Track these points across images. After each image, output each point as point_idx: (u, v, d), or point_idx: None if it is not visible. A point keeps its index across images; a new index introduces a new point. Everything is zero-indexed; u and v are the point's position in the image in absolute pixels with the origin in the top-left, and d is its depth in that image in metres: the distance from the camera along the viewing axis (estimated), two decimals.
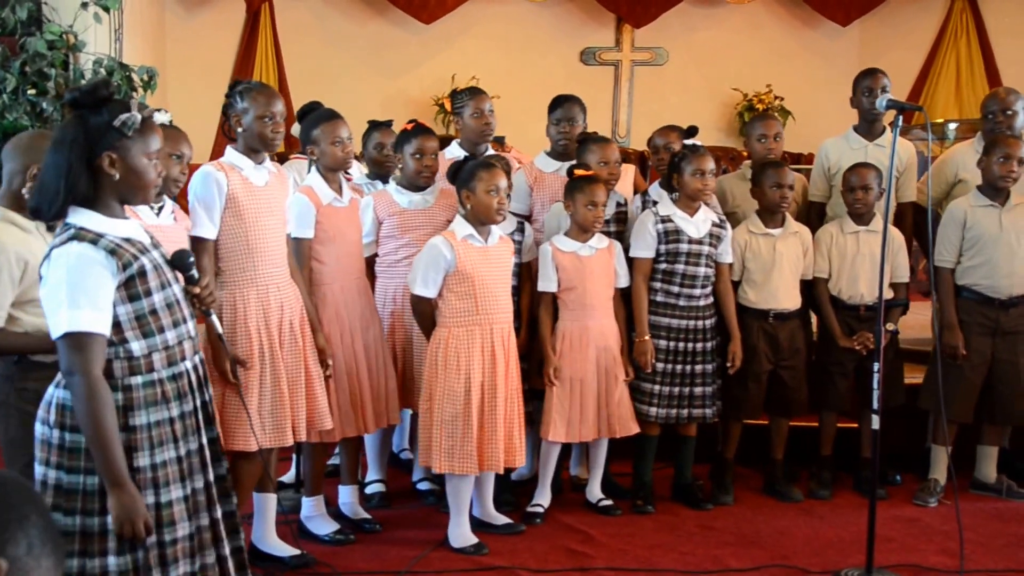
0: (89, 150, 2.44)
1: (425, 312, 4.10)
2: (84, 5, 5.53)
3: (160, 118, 2.51)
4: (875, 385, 3.56)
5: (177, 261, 2.72)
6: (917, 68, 10.50)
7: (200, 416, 2.66)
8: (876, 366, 3.55)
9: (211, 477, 2.68)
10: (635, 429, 4.45)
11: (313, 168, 4.11)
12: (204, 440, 2.67)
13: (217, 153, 3.74)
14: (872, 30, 10.60)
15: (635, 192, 4.92)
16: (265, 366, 3.67)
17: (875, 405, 3.57)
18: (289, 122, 4.15)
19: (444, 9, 9.86)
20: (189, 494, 2.60)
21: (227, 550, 2.70)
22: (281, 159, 5.36)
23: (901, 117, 3.52)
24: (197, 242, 3.59)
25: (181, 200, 3.85)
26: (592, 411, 4.38)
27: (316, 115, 4.10)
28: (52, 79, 5.16)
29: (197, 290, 2.79)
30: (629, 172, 5.41)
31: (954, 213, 4.63)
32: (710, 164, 4.45)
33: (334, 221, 4.04)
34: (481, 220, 4.04)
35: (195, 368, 2.66)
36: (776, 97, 10.39)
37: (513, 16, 10.21)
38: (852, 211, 4.68)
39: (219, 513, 2.69)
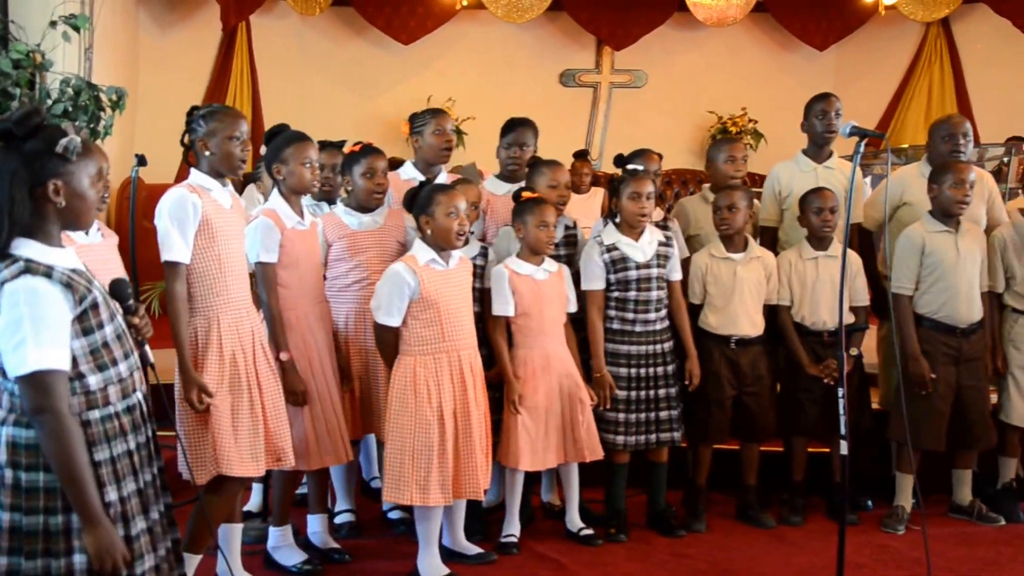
0: (32, 179, 2.37)
1: (389, 341, 4.02)
2: (53, 24, 5.46)
3: (75, 139, 2.46)
4: (841, 411, 3.54)
5: (115, 291, 2.67)
6: (890, 93, 10.60)
7: (151, 447, 2.63)
8: (841, 392, 3.53)
9: (161, 508, 2.65)
10: (602, 453, 4.40)
11: (274, 191, 4.03)
12: (155, 471, 2.64)
13: (183, 175, 3.66)
14: (849, 54, 10.68)
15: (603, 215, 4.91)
16: (242, 393, 3.60)
17: (842, 431, 3.55)
18: (256, 143, 4.10)
19: (424, 30, 9.86)
20: (152, 525, 2.57)
21: None
22: (249, 178, 5.32)
23: (863, 143, 3.50)
24: (170, 267, 3.50)
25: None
26: (557, 437, 4.32)
27: (287, 135, 4.03)
28: (16, 99, 5.09)
29: (136, 320, 2.73)
30: (598, 195, 5.42)
31: (912, 239, 4.60)
32: (648, 187, 4.40)
33: (297, 245, 3.98)
34: (441, 245, 3.98)
35: (144, 399, 2.62)
36: (750, 120, 10.45)
37: (494, 38, 10.23)
38: (820, 234, 4.66)
39: (169, 544, 2.66)
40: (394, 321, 3.95)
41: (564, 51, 10.56)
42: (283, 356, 3.89)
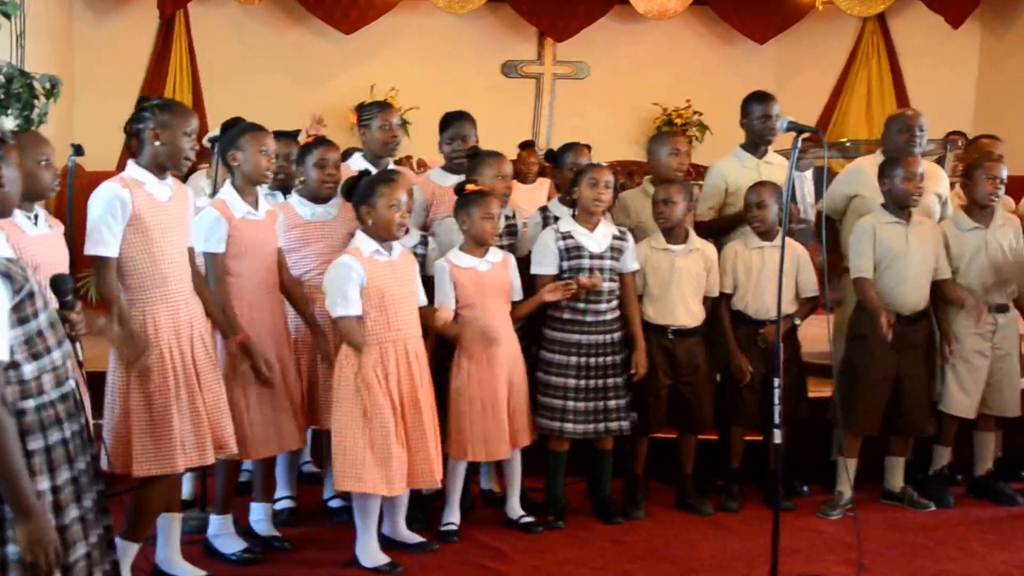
0: None
1: (355, 331, 3.96)
2: None
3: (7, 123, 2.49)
4: (776, 400, 3.61)
5: (57, 285, 2.67)
6: (830, 86, 10.74)
7: (84, 436, 2.64)
8: (777, 382, 3.61)
9: (93, 496, 2.65)
10: (527, 440, 4.46)
11: (227, 182, 4.03)
12: (87, 460, 2.64)
13: (125, 162, 3.66)
14: (788, 48, 10.80)
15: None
16: (180, 384, 3.59)
17: (776, 420, 3.62)
18: (201, 133, 4.08)
19: (365, 20, 9.80)
20: (84, 513, 2.58)
21: (102, 572, 2.67)
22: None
23: (799, 139, 3.56)
24: (100, 261, 3.52)
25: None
26: (507, 427, 4.36)
27: (244, 124, 4.05)
28: None
29: (74, 316, 2.74)
30: (544, 185, 5.49)
31: (865, 228, 4.71)
32: (606, 176, 4.49)
33: (248, 235, 3.97)
34: (382, 236, 4.00)
35: (77, 387, 2.64)
36: (695, 112, 10.54)
37: (435, 28, 10.20)
38: (752, 228, 4.75)
39: (101, 531, 2.67)
40: (353, 310, 3.93)
41: (506, 42, 10.56)
42: (238, 339, 3.92)
